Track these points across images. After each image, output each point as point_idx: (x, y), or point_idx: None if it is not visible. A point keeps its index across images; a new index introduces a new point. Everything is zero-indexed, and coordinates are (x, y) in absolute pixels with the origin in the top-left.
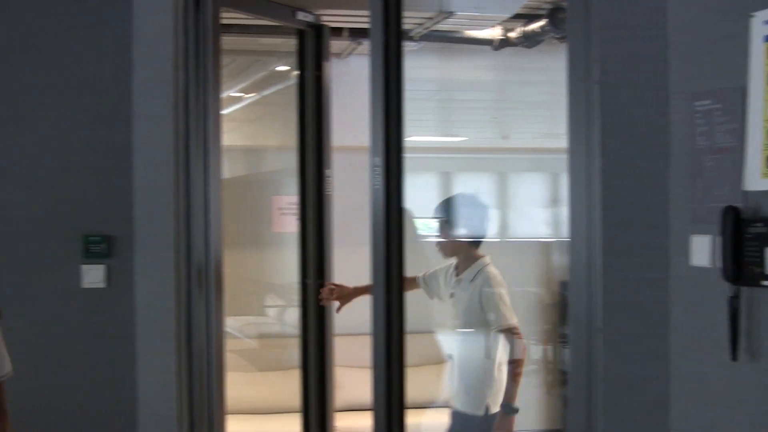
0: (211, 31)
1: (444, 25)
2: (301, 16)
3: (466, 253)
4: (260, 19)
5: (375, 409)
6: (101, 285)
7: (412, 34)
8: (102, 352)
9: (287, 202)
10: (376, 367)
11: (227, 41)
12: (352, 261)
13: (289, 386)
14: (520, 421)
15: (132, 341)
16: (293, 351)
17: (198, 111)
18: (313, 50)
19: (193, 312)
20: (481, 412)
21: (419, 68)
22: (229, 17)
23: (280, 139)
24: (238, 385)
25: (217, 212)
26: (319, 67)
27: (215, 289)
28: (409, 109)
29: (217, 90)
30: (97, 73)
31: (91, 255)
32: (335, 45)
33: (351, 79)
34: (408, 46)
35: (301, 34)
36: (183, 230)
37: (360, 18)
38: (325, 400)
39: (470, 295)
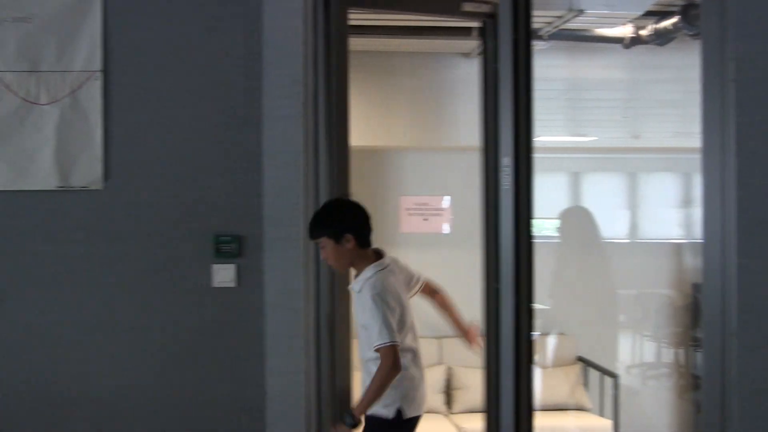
0: (339, 31)
1: (574, 24)
2: (471, 7)
3: (359, 257)
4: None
5: (501, 411)
6: (231, 284)
7: (541, 32)
8: (232, 351)
9: (415, 202)
10: (504, 369)
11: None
12: (474, 262)
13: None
14: (651, 425)
15: (261, 340)
16: (428, 351)
17: (327, 112)
18: (493, 42)
19: (322, 311)
20: (391, 415)
21: (548, 67)
22: (409, 19)
23: (407, 140)
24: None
25: None
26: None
27: (342, 288)
28: (537, 109)
29: (345, 91)
30: (228, 76)
31: (222, 255)
32: (464, 45)
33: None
34: (537, 45)
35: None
36: None
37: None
38: (520, 401)
39: (359, 307)
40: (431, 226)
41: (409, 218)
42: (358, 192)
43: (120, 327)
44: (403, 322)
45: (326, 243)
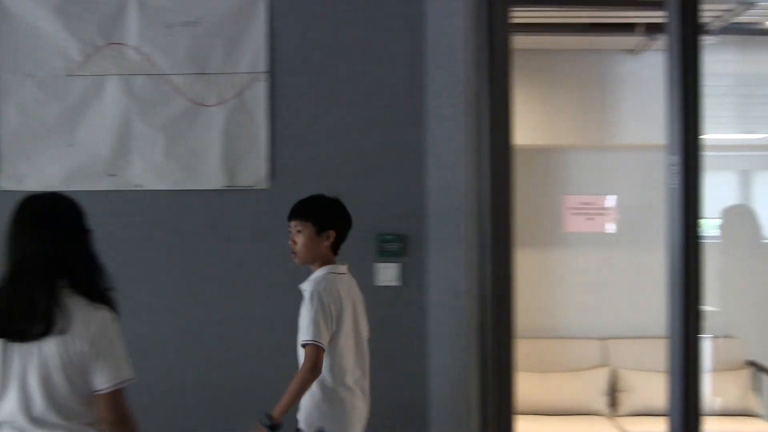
0: (501, 29)
1: (744, 17)
2: None
3: (323, 257)
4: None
5: (670, 415)
6: (395, 283)
7: (710, 27)
8: (395, 349)
9: (579, 201)
10: (672, 372)
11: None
12: (640, 262)
13: (585, 388)
14: None
15: (424, 339)
16: (590, 352)
17: (489, 111)
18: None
19: (485, 311)
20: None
21: (717, 62)
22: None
23: (570, 138)
24: (528, 385)
25: (505, 212)
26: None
27: (506, 289)
28: (706, 105)
29: (508, 89)
30: (391, 76)
31: (385, 254)
32: (629, 41)
33: (645, 76)
34: (706, 40)
35: None
36: (475, 230)
37: (655, 13)
38: (688, 405)
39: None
40: (595, 226)
41: (572, 218)
42: (520, 191)
43: (284, 325)
44: (340, 335)
45: (306, 230)
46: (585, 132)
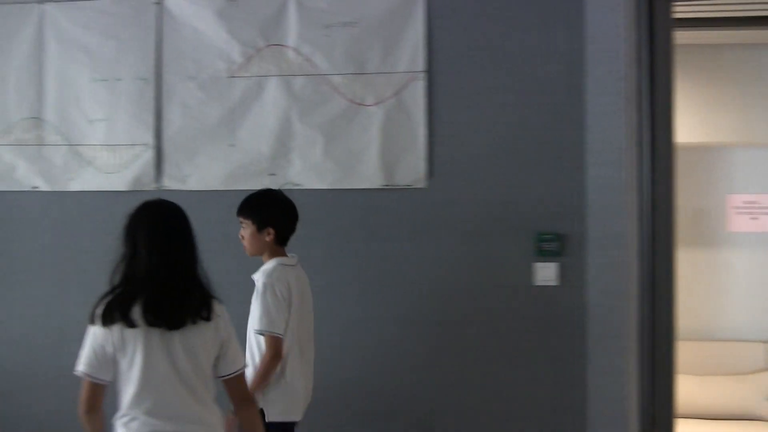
0: (663, 25)
1: None
2: None
3: (271, 251)
4: None
5: None
6: (553, 282)
7: None
8: (553, 350)
9: (743, 200)
10: None
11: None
12: None
13: (748, 392)
14: None
15: (583, 340)
16: (755, 355)
17: (650, 108)
18: None
19: (645, 312)
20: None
21: None
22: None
23: (735, 136)
24: (689, 387)
25: (667, 210)
26: None
27: (668, 289)
28: None
29: (670, 86)
30: (550, 74)
31: (543, 253)
32: None
33: None
34: None
35: None
36: (636, 229)
37: None
38: None
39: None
40: (760, 225)
41: (736, 217)
42: (682, 189)
43: (443, 325)
44: (288, 324)
45: (248, 226)
46: (750, 129)
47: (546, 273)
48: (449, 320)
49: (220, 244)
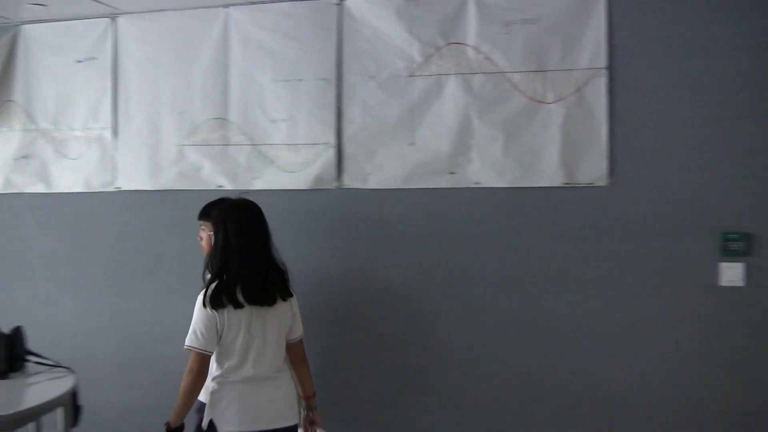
0: None
1: None
2: None
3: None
4: None
5: None
6: (740, 283)
7: None
8: (740, 351)
9: None
10: None
11: None
12: None
13: None
14: None
15: None
16: None
17: None
18: None
19: None
20: (204, 425)
21: None
22: None
23: None
24: None
25: None
26: None
27: None
28: None
29: None
30: (739, 68)
31: (729, 253)
32: None
33: None
34: None
35: None
36: None
37: None
38: None
39: None
40: None
41: None
42: None
43: (622, 325)
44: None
45: (206, 228)
46: None
47: (732, 273)
48: (629, 321)
49: (398, 241)
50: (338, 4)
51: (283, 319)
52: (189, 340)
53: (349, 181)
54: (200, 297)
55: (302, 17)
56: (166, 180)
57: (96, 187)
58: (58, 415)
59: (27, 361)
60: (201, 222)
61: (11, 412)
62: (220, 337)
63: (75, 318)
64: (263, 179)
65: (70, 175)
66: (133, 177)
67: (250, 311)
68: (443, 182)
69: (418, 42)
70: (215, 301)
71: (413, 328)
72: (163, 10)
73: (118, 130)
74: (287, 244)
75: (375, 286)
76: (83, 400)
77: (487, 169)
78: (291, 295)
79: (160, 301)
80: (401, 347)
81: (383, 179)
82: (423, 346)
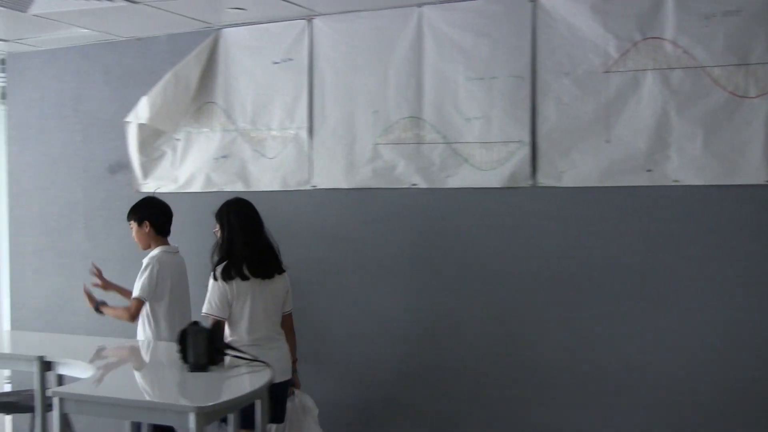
0: None
1: None
2: None
3: (155, 241)
4: None
5: None
6: None
7: None
8: None
9: None
10: None
11: None
12: None
13: None
14: None
15: None
16: None
17: None
18: None
19: None
20: None
21: None
22: None
23: None
24: None
25: None
26: None
27: None
28: None
29: None
30: None
31: None
32: None
33: None
34: None
35: None
36: None
37: None
38: None
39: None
40: None
41: None
42: None
43: None
44: (167, 295)
45: (133, 225)
46: None
47: None
48: None
49: (594, 240)
50: (532, 1)
51: (279, 291)
52: (205, 308)
53: (544, 179)
54: (212, 275)
55: (496, 15)
56: (361, 178)
57: (292, 185)
58: (256, 407)
59: (226, 354)
60: (129, 222)
61: (210, 403)
62: (231, 305)
63: None
64: (457, 177)
65: (268, 174)
66: (329, 175)
67: (253, 283)
68: (640, 180)
69: (614, 37)
70: (226, 275)
71: (611, 328)
72: (357, 10)
73: (314, 130)
74: (478, 244)
75: (571, 283)
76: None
77: (686, 166)
78: (284, 271)
79: (351, 295)
80: (609, 346)
81: (578, 177)
82: (637, 346)
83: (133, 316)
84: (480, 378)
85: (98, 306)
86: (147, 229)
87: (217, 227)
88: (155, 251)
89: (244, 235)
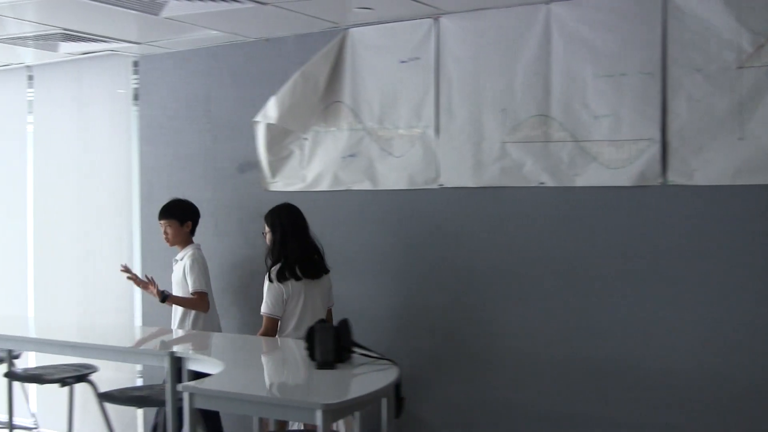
0: None
1: None
2: None
3: (185, 240)
4: None
5: None
6: None
7: None
8: None
9: None
10: None
11: None
12: None
13: None
14: None
15: None
16: None
17: None
18: None
19: None
20: None
21: None
22: None
23: None
24: None
25: None
26: None
27: None
28: None
29: None
30: None
31: None
32: None
33: None
34: None
35: None
36: None
37: None
38: None
39: (178, 270)
40: None
41: None
42: None
43: None
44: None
45: (172, 224)
46: None
47: None
48: None
49: (726, 240)
50: None
51: (325, 290)
52: (264, 309)
53: (674, 177)
54: (267, 277)
55: (625, 10)
56: (489, 177)
57: (419, 184)
58: (382, 405)
59: (353, 352)
60: (166, 220)
61: (337, 401)
62: (285, 304)
63: (395, 312)
64: (585, 176)
65: (395, 172)
66: (456, 174)
67: (304, 283)
68: None
69: (748, 31)
70: (281, 276)
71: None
72: (484, 8)
73: (441, 128)
74: (604, 245)
75: (705, 280)
76: (405, 392)
77: None
78: (327, 271)
79: (479, 296)
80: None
81: (710, 175)
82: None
83: (207, 307)
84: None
85: (164, 296)
86: (188, 229)
87: (267, 230)
88: (192, 249)
89: (296, 239)
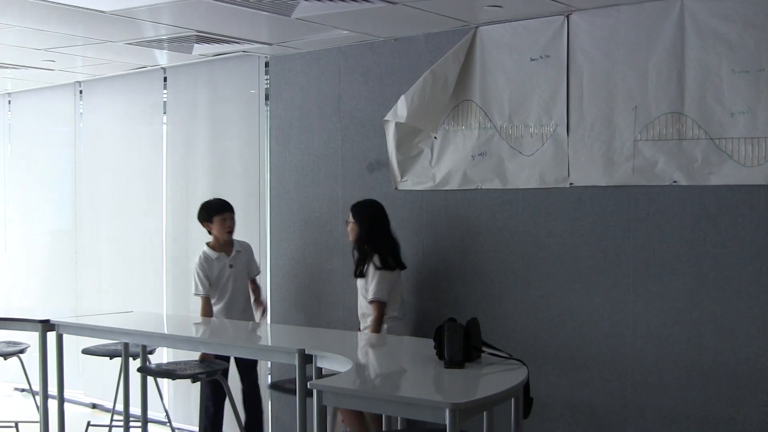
0: None
1: None
2: None
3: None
4: None
5: None
6: None
7: None
8: None
9: None
10: None
11: None
12: None
13: None
14: None
15: None
16: None
17: None
18: None
19: None
20: None
21: None
22: None
23: None
24: None
25: None
26: None
27: None
28: None
29: None
30: None
31: None
32: None
33: None
34: None
35: None
36: None
37: None
38: None
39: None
40: None
41: None
42: None
43: None
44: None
45: (229, 217)
46: None
47: None
48: None
49: None
50: None
51: (402, 279)
52: (377, 295)
53: None
54: (371, 265)
55: (762, 5)
56: (620, 176)
57: (550, 182)
58: (511, 405)
59: (482, 352)
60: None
61: (466, 400)
62: (392, 290)
63: (527, 311)
64: (720, 174)
65: (525, 171)
66: (587, 173)
67: (397, 274)
68: None
69: None
70: (386, 264)
71: None
72: (616, 5)
73: (571, 126)
74: (741, 243)
75: None
76: (534, 392)
77: None
78: (405, 267)
79: (612, 297)
80: None
81: None
82: None
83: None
84: None
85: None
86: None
87: (352, 220)
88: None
89: (386, 232)
